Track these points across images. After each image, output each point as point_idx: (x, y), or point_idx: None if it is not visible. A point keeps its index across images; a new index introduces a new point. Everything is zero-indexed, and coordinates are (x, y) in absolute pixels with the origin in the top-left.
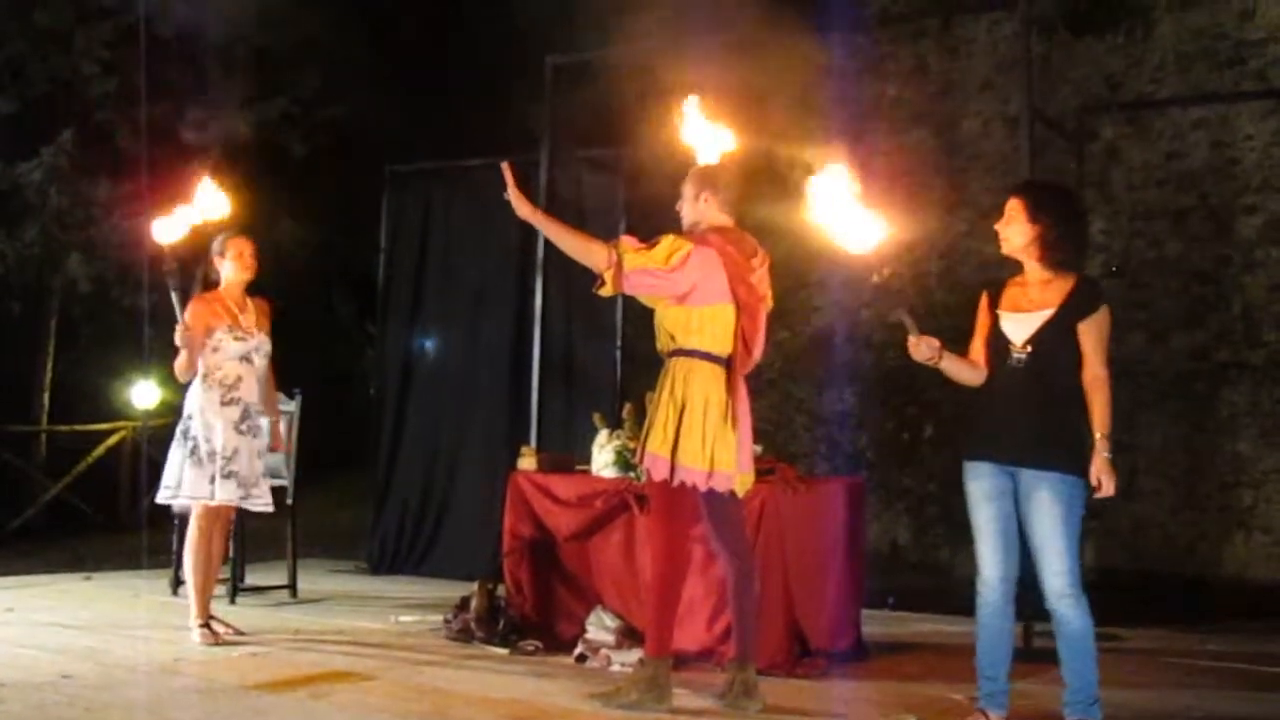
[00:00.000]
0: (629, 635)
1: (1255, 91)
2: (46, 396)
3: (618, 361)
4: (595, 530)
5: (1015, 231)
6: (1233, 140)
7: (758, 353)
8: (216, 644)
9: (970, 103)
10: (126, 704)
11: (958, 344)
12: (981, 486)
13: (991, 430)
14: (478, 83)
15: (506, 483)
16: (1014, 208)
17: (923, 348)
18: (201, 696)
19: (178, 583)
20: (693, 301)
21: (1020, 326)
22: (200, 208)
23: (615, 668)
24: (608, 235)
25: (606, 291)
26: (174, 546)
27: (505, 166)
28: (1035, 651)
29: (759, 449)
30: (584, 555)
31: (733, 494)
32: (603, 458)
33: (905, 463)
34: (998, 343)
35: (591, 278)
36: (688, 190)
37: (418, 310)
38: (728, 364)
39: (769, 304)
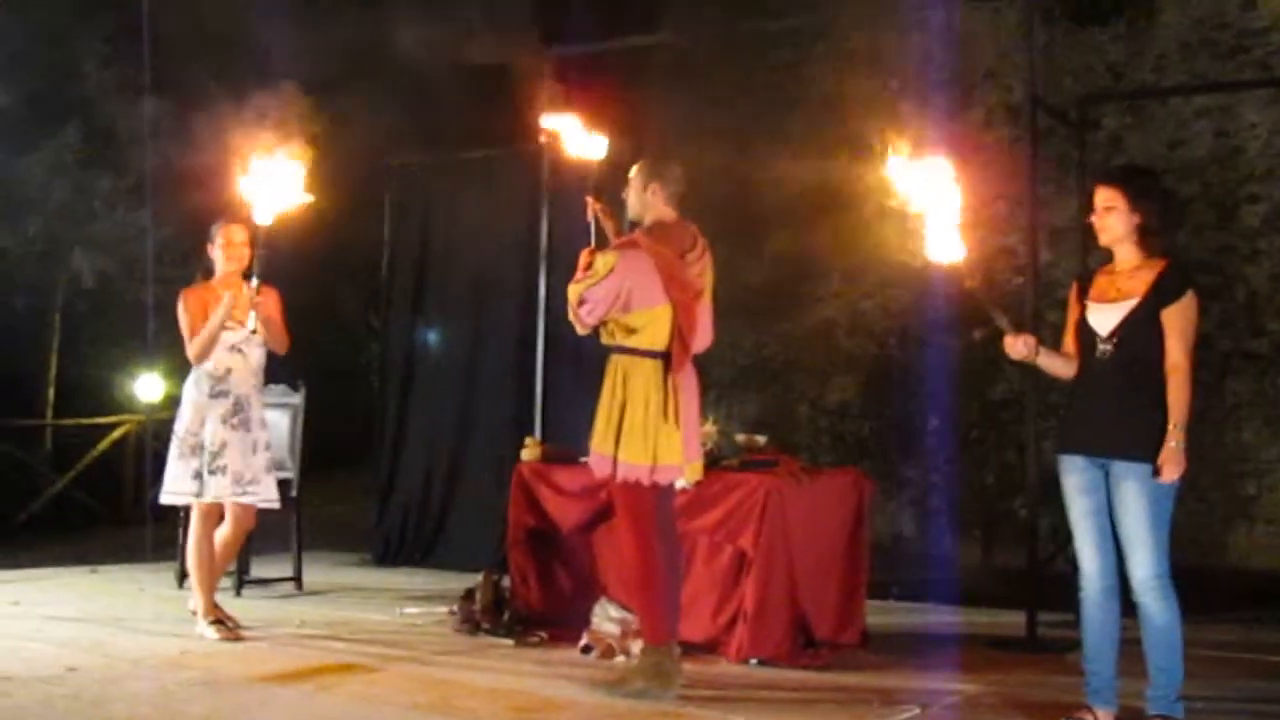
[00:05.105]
0: (634, 626)
1: (1258, 80)
2: (51, 391)
3: None
4: (599, 521)
5: (1116, 221)
6: (1236, 129)
7: (701, 343)
8: (233, 639)
9: (973, 93)
10: (132, 697)
11: (952, 334)
12: (1074, 481)
13: (1081, 423)
14: (479, 74)
15: (511, 474)
16: (1111, 197)
17: (1019, 346)
18: (207, 689)
19: (183, 576)
20: (634, 307)
21: (1106, 317)
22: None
23: (620, 658)
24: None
25: (582, 330)
26: (179, 540)
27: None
28: (1041, 641)
29: (762, 440)
30: (588, 546)
31: (671, 487)
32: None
33: (908, 453)
34: (1085, 334)
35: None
36: (635, 181)
37: (421, 302)
38: (667, 358)
39: (707, 295)
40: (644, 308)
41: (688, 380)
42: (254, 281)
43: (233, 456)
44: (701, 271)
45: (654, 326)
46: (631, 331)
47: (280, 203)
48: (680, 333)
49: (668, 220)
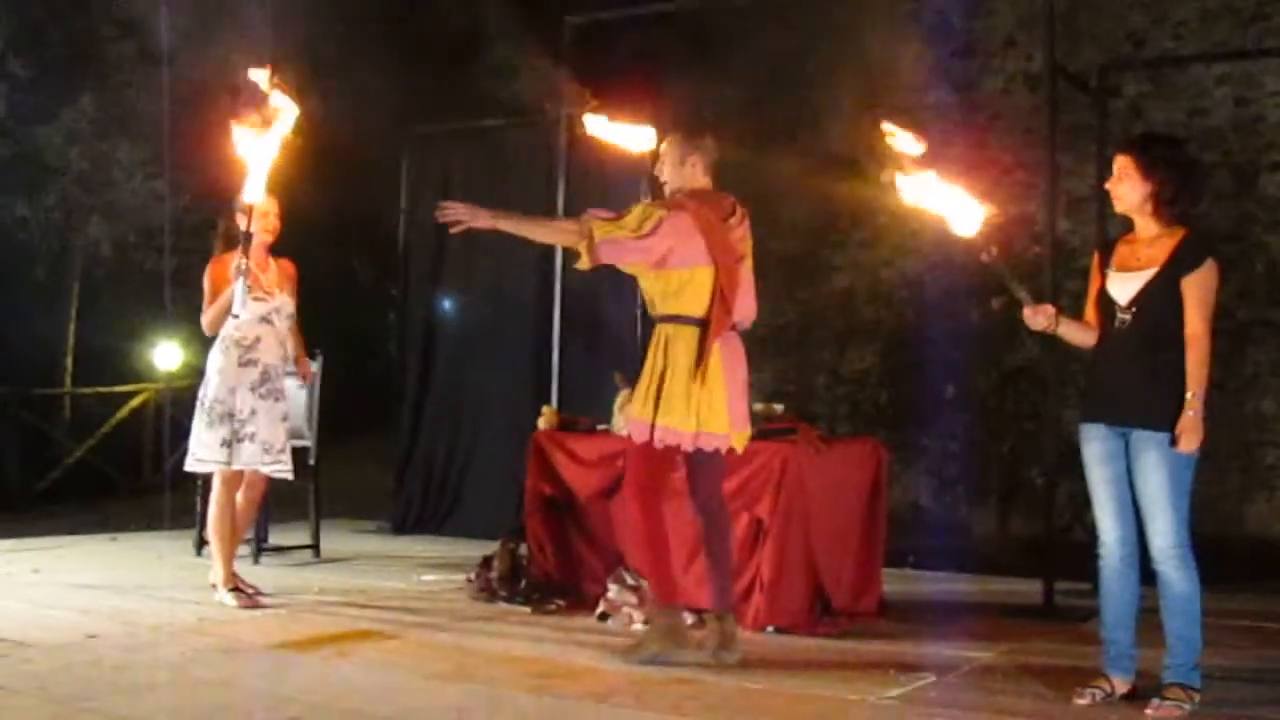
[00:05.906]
0: (650, 594)
1: (1279, 48)
2: (70, 359)
3: (638, 321)
4: (616, 490)
5: (1128, 190)
6: (1256, 97)
7: (744, 312)
8: (252, 606)
9: (992, 60)
10: (152, 663)
11: (970, 302)
12: (1094, 449)
13: (1101, 392)
14: (497, 43)
15: (528, 443)
16: (1124, 165)
17: (1039, 318)
18: (226, 656)
19: (201, 544)
20: (671, 266)
21: (1126, 286)
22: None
23: (637, 626)
24: (632, 199)
25: (583, 265)
26: (198, 508)
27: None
28: (1057, 609)
29: (779, 409)
30: (605, 514)
31: (716, 452)
32: (623, 417)
33: (926, 422)
34: (1105, 304)
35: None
36: (672, 154)
37: (439, 272)
38: (709, 325)
39: (749, 262)
40: (682, 267)
41: (732, 346)
42: (241, 262)
43: (262, 425)
44: (743, 237)
45: (693, 289)
46: (669, 296)
47: (265, 173)
48: (723, 294)
49: (705, 189)
